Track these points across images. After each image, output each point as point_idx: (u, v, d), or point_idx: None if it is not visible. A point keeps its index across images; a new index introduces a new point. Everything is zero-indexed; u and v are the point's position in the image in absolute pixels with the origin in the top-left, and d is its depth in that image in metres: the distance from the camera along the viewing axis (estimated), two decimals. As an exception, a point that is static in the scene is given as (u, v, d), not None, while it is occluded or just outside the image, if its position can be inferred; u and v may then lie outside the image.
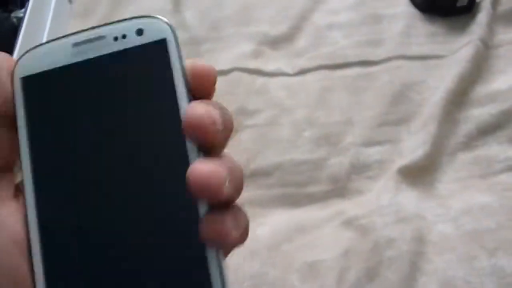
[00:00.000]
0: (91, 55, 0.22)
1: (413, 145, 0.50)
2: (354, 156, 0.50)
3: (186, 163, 0.20)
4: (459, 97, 0.52)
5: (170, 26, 0.22)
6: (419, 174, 0.48)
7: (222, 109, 0.21)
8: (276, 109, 0.54)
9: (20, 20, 0.55)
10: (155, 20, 0.22)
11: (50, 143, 0.22)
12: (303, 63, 0.57)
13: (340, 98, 0.54)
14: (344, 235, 0.44)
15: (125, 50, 0.22)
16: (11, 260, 0.22)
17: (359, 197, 0.48)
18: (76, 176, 0.21)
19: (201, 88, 0.22)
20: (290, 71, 0.57)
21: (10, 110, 0.22)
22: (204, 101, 0.21)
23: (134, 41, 0.22)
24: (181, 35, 0.67)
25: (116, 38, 0.22)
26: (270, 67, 0.57)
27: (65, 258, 0.21)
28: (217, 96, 0.24)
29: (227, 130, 0.21)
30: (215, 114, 0.20)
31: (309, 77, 0.56)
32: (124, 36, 0.22)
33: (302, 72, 0.57)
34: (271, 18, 0.61)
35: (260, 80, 0.56)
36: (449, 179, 0.48)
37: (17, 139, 0.22)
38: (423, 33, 0.58)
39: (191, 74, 0.21)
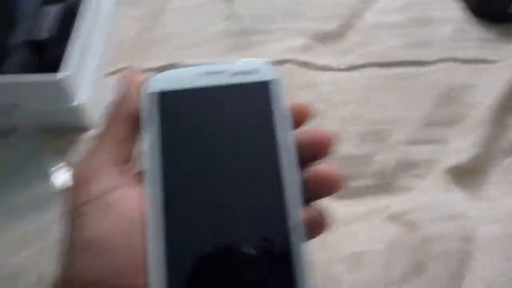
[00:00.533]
0: (212, 83, 0.28)
1: (461, 147, 0.50)
2: (401, 153, 0.50)
3: (278, 172, 0.26)
4: (509, 102, 0.52)
5: (276, 71, 0.28)
6: (467, 175, 0.48)
7: None
8: (325, 103, 0.54)
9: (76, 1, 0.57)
10: (266, 64, 0.28)
11: (169, 143, 0.27)
12: (352, 60, 0.58)
13: (388, 96, 0.55)
14: (390, 228, 0.45)
15: (240, 84, 0.28)
16: (139, 240, 0.25)
17: (404, 194, 0.48)
18: (191, 173, 0.26)
19: (301, 119, 0.28)
20: (339, 67, 0.58)
21: (137, 117, 0.27)
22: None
23: (249, 78, 0.28)
24: (231, 25, 0.68)
25: (233, 74, 0.28)
26: (319, 61, 0.58)
27: (181, 236, 0.25)
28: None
29: None
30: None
31: (357, 74, 0.57)
32: (240, 73, 0.28)
33: (351, 68, 0.57)
34: (321, 15, 0.62)
35: (309, 74, 0.57)
36: (496, 182, 0.48)
37: (136, 138, 0.28)
38: (474, 38, 0.58)
39: (294, 109, 0.27)
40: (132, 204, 0.26)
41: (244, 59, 0.28)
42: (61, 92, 0.49)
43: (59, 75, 0.47)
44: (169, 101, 0.27)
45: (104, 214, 0.25)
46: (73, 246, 0.25)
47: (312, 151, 0.27)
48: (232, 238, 0.25)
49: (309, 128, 0.27)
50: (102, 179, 0.26)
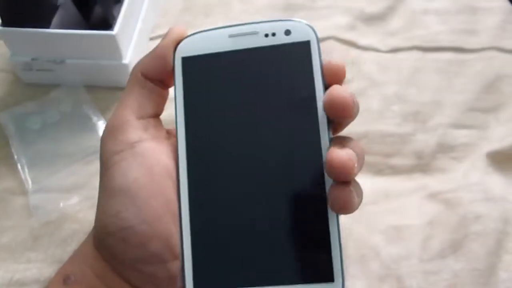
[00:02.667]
0: (244, 46, 0.26)
1: (501, 134, 0.50)
2: (441, 135, 0.51)
3: (319, 144, 0.24)
4: (552, 94, 0.53)
5: (314, 30, 0.26)
6: (506, 160, 0.48)
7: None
8: (367, 82, 0.55)
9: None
10: (301, 24, 0.26)
11: (198, 106, 0.26)
12: (396, 42, 0.58)
13: (431, 80, 0.55)
14: (429, 206, 0.46)
15: (274, 46, 0.26)
16: (166, 189, 0.26)
17: (442, 174, 0.49)
18: (217, 134, 0.26)
19: (335, 80, 0.25)
20: (382, 48, 0.58)
21: (167, 77, 0.27)
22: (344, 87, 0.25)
23: (282, 39, 0.26)
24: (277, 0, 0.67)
25: (267, 35, 0.26)
26: (363, 41, 0.58)
27: (206, 187, 0.25)
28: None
29: (357, 110, 0.25)
30: (354, 97, 0.24)
31: (401, 56, 0.57)
32: (274, 34, 0.26)
33: (394, 50, 0.58)
34: (367, -4, 0.62)
35: (353, 52, 0.57)
36: (536, 170, 0.48)
37: (165, 94, 0.28)
38: (520, 29, 0.59)
39: (327, 69, 0.25)
40: (160, 156, 0.26)
41: (277, 18, 0.26)
42: (114, 49, 0.50)
43: (115, 31, 0.48)
44: (195, 65, 0.27)
45: (135, 164, 0.25)
46: (106, 193, 0.26)
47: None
48: (262, 205, 0.25)
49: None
50: (129, 131, 0.26)
